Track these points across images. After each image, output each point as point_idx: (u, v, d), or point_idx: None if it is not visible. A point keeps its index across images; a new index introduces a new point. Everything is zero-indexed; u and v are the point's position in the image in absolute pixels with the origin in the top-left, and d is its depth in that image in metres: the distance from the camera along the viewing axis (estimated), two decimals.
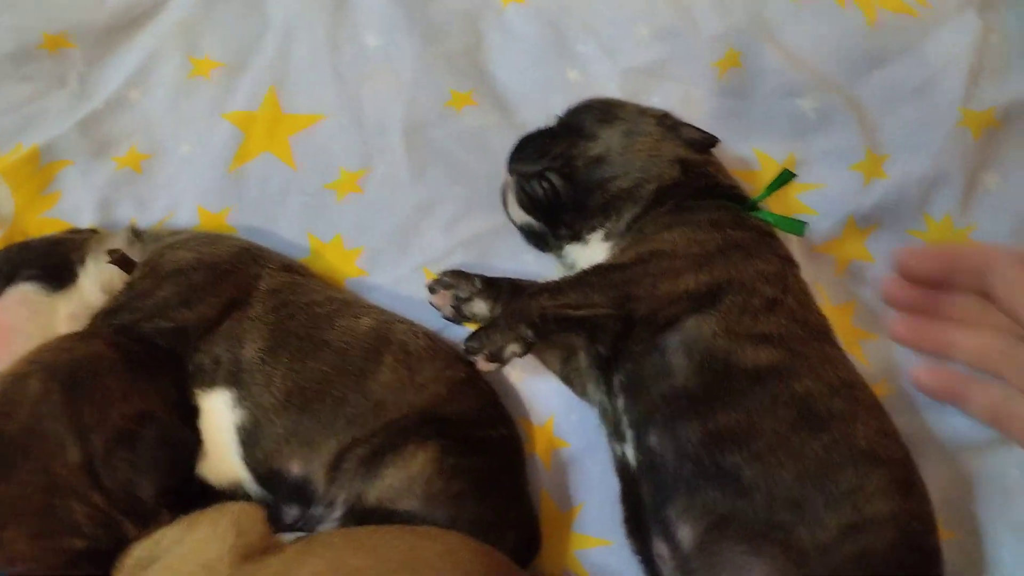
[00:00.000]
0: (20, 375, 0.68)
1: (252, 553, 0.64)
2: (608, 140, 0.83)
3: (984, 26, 0.99)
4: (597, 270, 0.75)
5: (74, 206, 0.94)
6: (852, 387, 0.70)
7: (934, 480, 0.78)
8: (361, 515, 0.71)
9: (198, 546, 0.64)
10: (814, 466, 0.65)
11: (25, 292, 0.77)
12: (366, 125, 0.96)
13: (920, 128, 0.96)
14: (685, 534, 0.67)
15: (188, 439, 0.74)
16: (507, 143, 0.88)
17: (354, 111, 0.96)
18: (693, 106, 0.98)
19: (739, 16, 1.02)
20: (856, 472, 0.65)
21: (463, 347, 0.74)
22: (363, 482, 0.72)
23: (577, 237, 0.83)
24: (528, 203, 0.84)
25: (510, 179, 0.86)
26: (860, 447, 0.66)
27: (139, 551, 0.66)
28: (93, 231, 0.88)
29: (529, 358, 0.85)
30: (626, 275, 0.73)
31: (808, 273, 0.88)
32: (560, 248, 0.86)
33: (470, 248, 0.91)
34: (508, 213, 0.88)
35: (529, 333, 0.73)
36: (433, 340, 0.81)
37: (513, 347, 0.73)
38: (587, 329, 0.74)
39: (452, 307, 0.81)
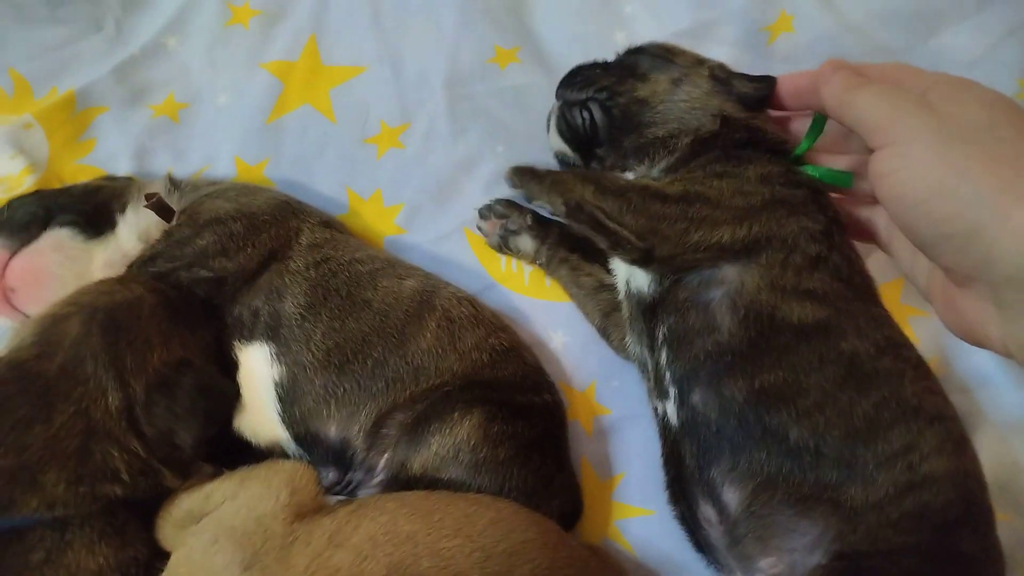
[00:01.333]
0: (59, 316, 0.67)
1: (304, 513, 0.63)
2: (655, 84, 0.81)
3: None
4: (643, 190, 0.73)
5: (110, 154, 0.92)
6: (899, 346, 0.69)
7: (985, 460, 0.77)
8: (403, 483, 0.70)
9: (251, 502, 0.63)
10: (864, 425, 0.63)
11: (61, 237, 0.76)
12: (407, 79, 0.94)
13: None
14: (731, 496, 0.66)
15: (227, 389, 0.73)
16: (550, 103, 0.86)
17: (395, 64, 0.94)
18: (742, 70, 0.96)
19: None
20: (908, 430, 0.63)
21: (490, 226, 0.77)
22: (407, 449, 0.71)
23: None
24: (566, 131, 0.83)
25: (555, 104, 0.85)
26: (911, 404, 0.64)
27: (189, 502, 0.66)
28: (130, 179, 0.87)
29: (571, 323, 0.84)
30: (663, 209, 0.70)
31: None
32: None
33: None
34: (548, 138, 0.86)
35: (562, 209, 0.73)
36: (476, 307, 0.80)
37: (526, 242, 0.79)
38: (610, 240, 0.72)
39: (500, 236, 0.80)
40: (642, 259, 0.71)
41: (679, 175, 0.77)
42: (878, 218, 0.74)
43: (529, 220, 0.81)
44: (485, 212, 0.83)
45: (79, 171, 0.91)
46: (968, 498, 0.63)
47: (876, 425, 0.63)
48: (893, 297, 0.87)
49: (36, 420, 0.63)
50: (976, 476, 0.66)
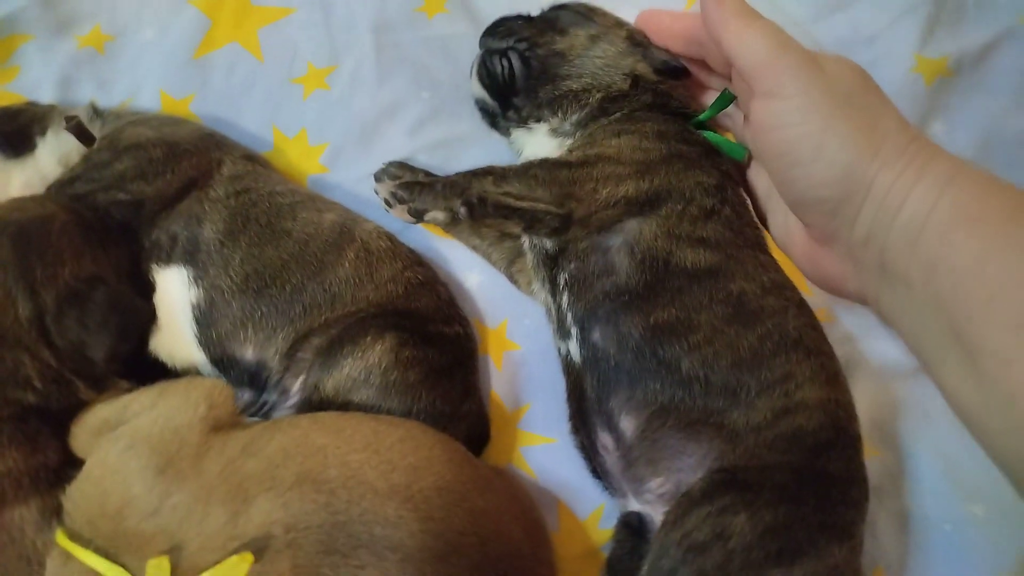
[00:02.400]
0: None
1: (220, 427, 0.65)
2: (574, 39, 0.84)
3: None
4: (544, 164, 0.77)
5: (34, 82, 0.92)
6: (783, 288, 0.73)
7: (864, 402, 0.82)
8: (317, 405, 0.73)
9: (169, 412, 0.65)
10: (748, 355, 0.68)
11: None
12: (335, 23, 0.96)
13: (875, 70, 0.97)
14: (628, 424, 0.70)
15: (139, 308, 0.74)
16: (475, 54, 0.88)
17: (324, 7, 0.96)
18: None
19: None
20: (787, 360, 0.68)
21: (385, 191, 0.75)
22: (320, 371, 0.73)
23: (523, 123, 0.85)
24: (487, 78, 0.85)
25: (479, 53, 0.88)
26: (792, 337, 0.69)
27: (106, 412, 0.67)
28: (53, 107, 0.87)
29: (486, 264, 0.88)
30: (572, 174, 0.75)
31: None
32: (508, 131, 0.87)
33: (433, 153, 0.92)
34: (470, 85, 0.89)
35: (462, 210, 0.74)
36: (393, 242, 0.82)
37: (438, 214, 0.74)
38: (525, 220, 0.75)
39: (391, 195, 0.82)
40: (561, 226, 0.75)
41: (587, 130, 0.81)
42: (759, 180, 0.77)
43: (422, 178, 0.82)
44: (380, 175, 0.84)
45: (2, 97, 0.91)
46: (837, 425, 0.68)
47: (760, 355, 0.68)
48: None
49: None
50: (846, 407, 0.70)
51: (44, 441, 0.67)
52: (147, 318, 0.75)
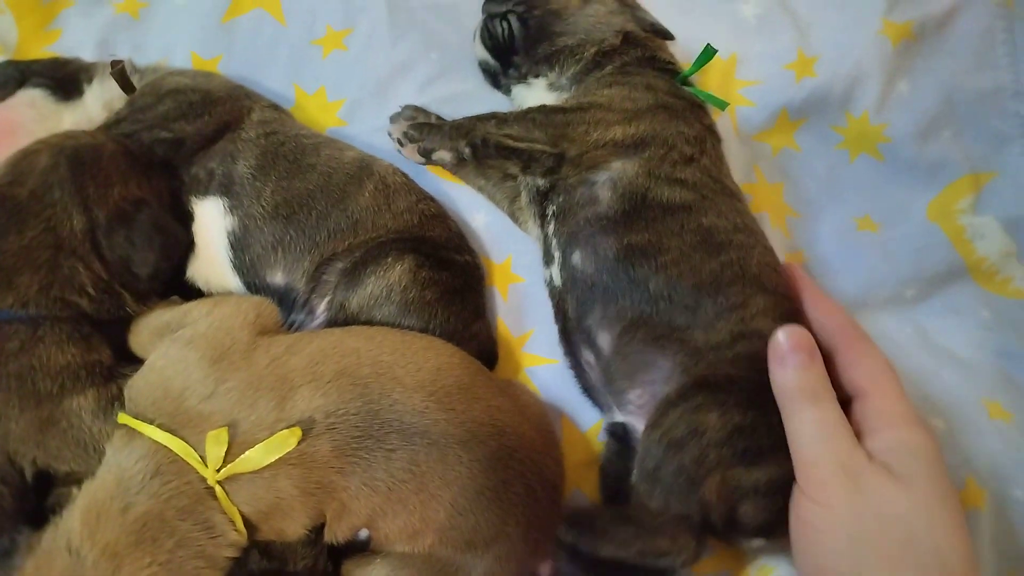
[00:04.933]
0: (29, 151, 0.77)
1: (268, 331, 0.74)
2: (568, 0, 0.92)
3: None
4: (542, 109, 0.85)
5: (74, 44, 1.00)
6: (753, 232, 0.80)
7: None
8: (342, 322, 0.80)
9: (223, 316, 0.73)
10: (709, 280, 0.75)
11: (34, 96, 0.85)
12: None
13: (846, 34, 1.06)
14: (604, 340, 0.77)
15: (178, 231, 0.82)
16: (478, 19, 0.97)
17: None
18: (647, 4, 1.07)
19: None
20: (743, 291, 0.74)
21: (398, 131, 0.83)
22: (346, 290, 0.80)
23: (523, 79, 0.93)
24: (488, 40, 0.94)
25: (481, 18, 0.96)
26: (751, 272, 0.76)
27: (167, 316, 0.76)
28: (96, 62, 0.95)
29: (492, 206, 0.95)
30: (566, 118, 0.83)
31: (748, 155, 1.00)
32: (509, 89, 0.95)
33: (442, 107, 0.98)
34: (473, 48, 0.97)
35: (467, 150, 0.83)
36: (407, 179, 0.90)
37: (444, 154, 0.83)
38: (523, 160, 0.83)
39: (403, 135, 0.90)
40: (555, 165, 0.82)
41: (582, 84, 0.89)
42: None
43: (434, 119, 0.90)
44: (395, 117, 0.92)
45: (45, 57, 0.98)
46: None
47: (719, 281, 0.75)
48: (777, 197, 1.02)
49: (9, 232, 0.72)
50: None
51: (97, 343, 0.74)
52: (185, 242, 0.83)
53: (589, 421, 0.86)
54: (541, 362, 0.89)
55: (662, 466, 0.70)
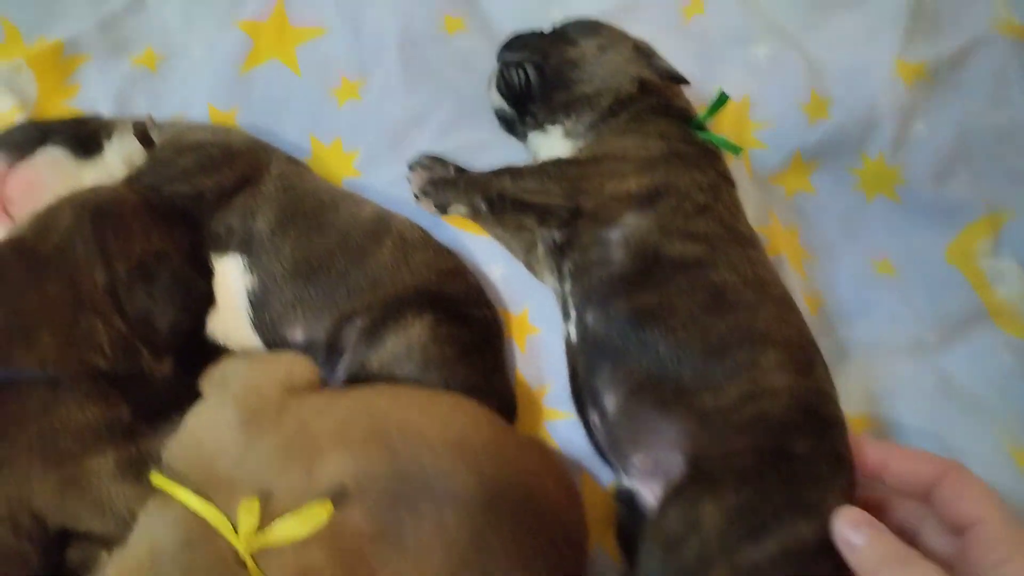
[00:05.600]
0: (54, 208, 0.77)
1: (297, 391, 0.74)
2: (584, 49, 0.93)
3: None
4: (556, 163, 0.85)
5: (93, 98, 1.00)
6: (765, 284, 0.78)
7: (856, 386, 0.91)
8: (363, 380, 0.79)
9: (256, 375, 0.73)
10: (718, 343, 0.73)
11: (55, 155, 0.85)
12: (365, 40, 1.04)
13: (860, 75, 1.06)
14: (610, 401, 0.76)
15: (200, 285, 0.82)
16: (492, 66, 0.98)
17: (355, 26, 1.04)
18: (660, 48, 1.08)
19: None
20: (752, 350, 0.73)
21: (415, 187, 0.83)
22: (366, 349, 0.80)
23: (539, 127, 0.93)
24: (504, 88, 0.94)
25: (496, 66, 0.96)
26: (759, 330, 0.74)
27: (222, 368, 0.77)
28: (115, 119, 0.95)
29: (509, 256, 0.94)
30: (580, 171, 0.83)
31: (762, 199, 1.00)
32: (525, 135, 0.95)
33: (458, 155, 0.97)
34: (489, 96, 0.97)
35: (483, 205, 0.83)
36: (425, 233, 0.90)
37: (461, 207, 0.83)
38: (538, 214, 0.83)
39: (420, 190, 0.90)
40: (570, 218, 0.82)
41: (598, 132, 0.89)
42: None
43: (452, 171, 0.90)
44: (413, 165, 0.92)
45: (65, 112, 0.99)
46: (807, 408, 0.71)
47: (727, 344, 0.73)
48: (792, 241, 1.00)
49: (31, 287, 0.72)
50: (818, 391, 0.73)
51: (115, 399, 0.74)
52: (206, 297, 0.83)
53: (609, 477, 0.85)
54: (560, 416, 0.88)
55: (666, 570, 0.67)
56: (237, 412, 0.70)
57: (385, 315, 0.81)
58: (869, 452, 0.71)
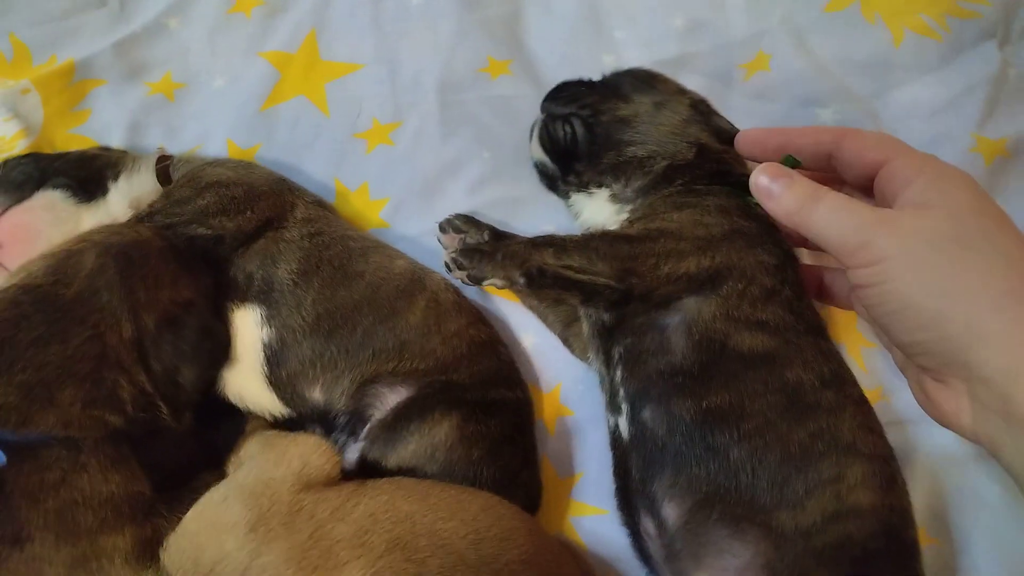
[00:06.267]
0: (74, 251, 0.70)
1: (314, 485, 0.65)
2: (638, 106, 0.85)
3: (1003, 59, 1.02)
4: (605, 237, 0.77)
5: (104, 125, 0.94)
6: (843, 382, 0.72)
7: (918, 490, 0.82)
8: (381, 474, 0.72)
9: (266, 465, 0.66)
10: (798, 452, 0.66)
11: (53, 198, 0.78)
12: (402, 80, 0.97)
13: (934, 148, 0.96)
14: (670, 512, 0.69)
15: (225, 335, 0.76)
16: (535, 115, 0.90)
17: (391, 64, 0.98)
18: (717, 104, 1.00)
19: (772, 19, 1.05)
20: (836, 463, 0.66)
21: (447, 255, 0.76)
22: (385, 447, 0.73)
23: (584, 187, 0.85)
24: (548, 142, 0.86)
25: (540, 117, 0.89)
26: (844, 440, 0.67)
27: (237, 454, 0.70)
28: (125, 152, 0.89)
29: (541, 326, 0.88)
30: (633, 249, 0.74)
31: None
32: (567, 195, 0.88)
33: (492, 212, 0.92)
34: (529, 148, 0.90)
35: (521, 280, 0.74)
36: (459, 296, 0.83)
37: (497, 282, 0.74)
38: (584, 293, 0.76)
39: (452, 261, 0.82)
40: (621, 301, 0.74)
41: (648, 199, 0.81)
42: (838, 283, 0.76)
43: (487, 235, 0.83)
44: (444, 226, 0.85)
45: (72, 140, 0.93)
46: (890, 532, 0.66)
47: (810, 454, 0.66)
48: (851, 325, 0.92)
49: (53, 339, 0.65)
50: (901, 512, 0.68)
51: (136, 467, 0.67)
52: (227, 348, 0.76)
53: None
54: (589, 512, 0.82)
55: None
56: (245, 512, 0.62)
57: (410, 409, 0.74)
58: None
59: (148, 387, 0.68)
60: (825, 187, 0.63)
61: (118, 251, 0.70)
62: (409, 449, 0.72)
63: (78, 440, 0.64)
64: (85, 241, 0.71)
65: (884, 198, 0.64)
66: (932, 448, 0.87)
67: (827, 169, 0.71)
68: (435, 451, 0.72)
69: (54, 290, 0.67)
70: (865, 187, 0.68)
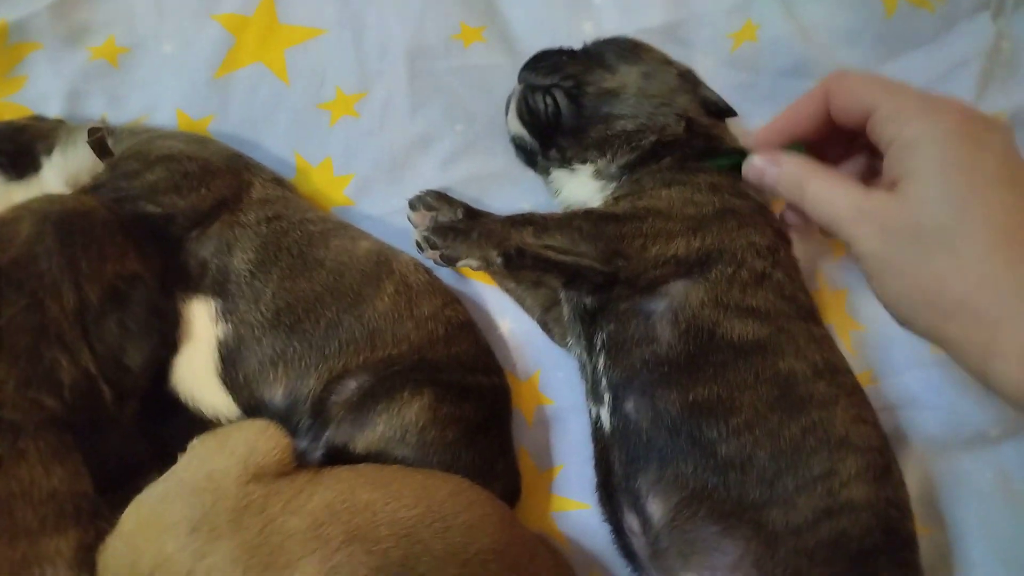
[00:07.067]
0: (8, 219, 0.65)
1: (264, 475, 0.60)
2: (625, 77, 0.80)
3: (997, 31, 0.98)
4: (589, 216, 0.72)
5: (41, 93, 0.87)
6: (835, 371, 0.70)
7: (910, 478, 0.79)
8: (347, 461, 0.67)
9: (207, 454, 0.61)
10: (789, 448, 0.64)
11: None
12: (367, 47, 0.91)
13: None
14: (655, 508, 0.67)
15: (176, 314, 0.71)
16: (511, 86, 0.85)
17: (356, 30, 0.91)
18: (702, 74, 0.96)
19: None
20: (830, 457, 0.65)
21: (418, 234, 0.72)
22: (352, 428, 0.68)
23: (566, 163, 0.81)
24: (527, 115, 0.82)
25: (517, 87, 0.84)
26: (837, 434, 0.66)
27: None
28: (59, 121, 0.82)
29: (519, 310, 0.83)
30: (619, 229, 0.70)
31: (809, 256, 0.89)
32: (547, 171, 0.83)
33: (465, 189, 0.87)
34: (506, 121, 0.85)
35: (499, 260, 0.70)
36: (431, 276, 0.78)
37: (472, 262, 0.70)
38: (566, 275, 0.72)
39: (424, 239, 0.77)
40: (605, 284, 0.70)
41: (634, 175, 0.77)
42: None
43: (460, 213, 0.77)
44: (415, 203, 0.80)
45: (5, 109, 0.85)
46: (887, 526, 0.65)
47: (800, 449, 0.65)
48: (839, 307, 0.89)
49: None
50: (898, 504, 0.67)
51: (78, 460, 0.61)
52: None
53: None
54: (571, 506, 0.78)
55: None
56: (186, 510, 0.57)
57: (377, 388, 0.69)
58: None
59: (92, 368, 0.63)
60: (813, 171, 0.62)
61: (58, 218, 0.65)
62: (378, 431, 0.68)
63: (17, 423, 0.59)
64: (22, 209, 0.66)
65: (879, 148, 0.62)
66: (923, 434, 0.86)
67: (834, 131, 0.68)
68: (406, 432, 0.68)
69: None
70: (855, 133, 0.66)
